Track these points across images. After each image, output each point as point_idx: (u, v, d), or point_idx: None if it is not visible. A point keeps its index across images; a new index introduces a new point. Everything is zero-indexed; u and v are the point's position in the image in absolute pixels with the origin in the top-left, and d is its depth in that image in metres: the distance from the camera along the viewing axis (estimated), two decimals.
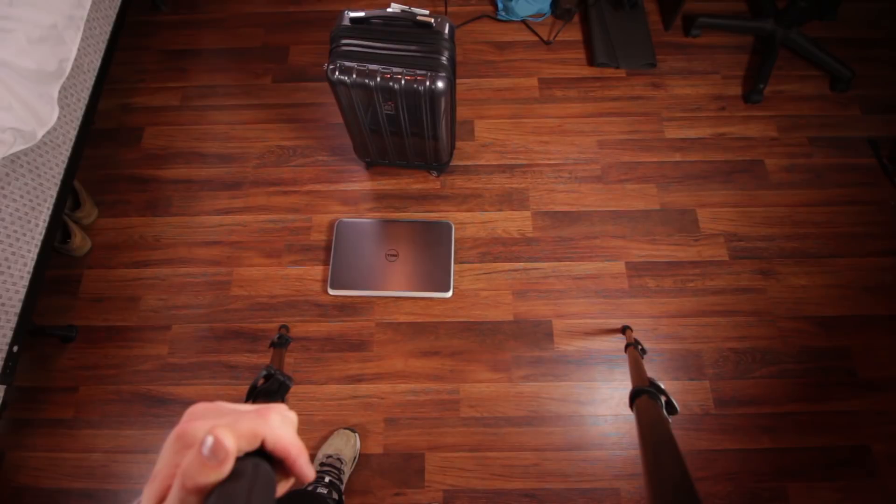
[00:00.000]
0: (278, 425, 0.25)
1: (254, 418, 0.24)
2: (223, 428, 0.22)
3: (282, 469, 0.26)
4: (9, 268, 1.07)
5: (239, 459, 0.23)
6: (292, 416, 0.27)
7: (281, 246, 1.41)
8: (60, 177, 1.22)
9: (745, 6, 1.75)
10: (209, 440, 0.21)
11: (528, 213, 1.44)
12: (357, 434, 1.19)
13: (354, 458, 1.16)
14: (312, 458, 1.16)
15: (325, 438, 1.19)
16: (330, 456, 1.12)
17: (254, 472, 0.23)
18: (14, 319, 1.09)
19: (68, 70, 1.15)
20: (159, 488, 0.22)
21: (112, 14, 1.41)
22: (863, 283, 1.33)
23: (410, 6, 1.09)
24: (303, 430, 1.21)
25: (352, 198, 1.47)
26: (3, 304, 1.06)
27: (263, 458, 0.25)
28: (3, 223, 1.05)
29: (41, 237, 1.16)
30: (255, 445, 0.24)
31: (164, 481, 0.22)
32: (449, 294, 1.33)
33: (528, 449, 1.19)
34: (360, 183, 1.49)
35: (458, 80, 1.39)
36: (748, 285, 1.34)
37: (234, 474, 0.22)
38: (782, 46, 1.59)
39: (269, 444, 0.25)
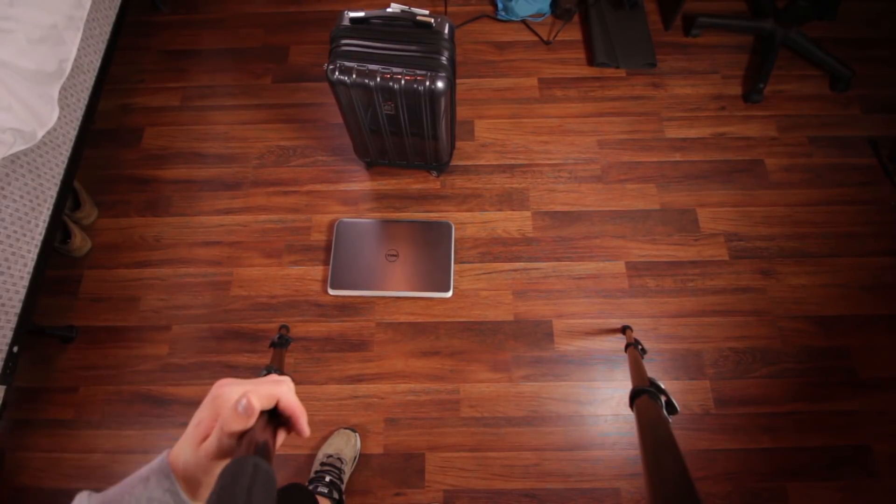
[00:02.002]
0: (287, 390, 0.34)
1: (271, 384, 0.34)
2: (252, 392, 0.31)
3: (286, 426, 0.35)
4: (9, 268, 1.07)
5: (239, 459, 0.23)
6: (293, 386, 0.36)
7: (281, 246, 1.41)
8: (60, 177, 1.22)
9: (745, 6, 1.75)
10: (244, 401, 0.30)
11: (528, 213, 1.44)
12: (357, 434, 1.19)
13: (355, 457, 1.16)
14: (313, 458, 1.17)
15: (325, 438, 1.19)
16: (330, 456, 1.12)
17: (254, 472, 0.23)
18: (14, 320, 1.09)
19: (68, 70, 1.15)
20: (204, 430, 0.32)
21: (112, 14, 1.41)
22: (863, 283, 1.33)
23: (410, 6, 1.09)
24: None
25: (352, 198, 1.47)
26: (3, 305, 1.06)
27: (272, 419, 0.33)
28: (3, 223, 1.05)
29: (41, 237, 1.16)
30: (271, 405, 0.33)
31: (207, 427, 0.32)
32: (449, 294, 1.33)
33: (528, 449, 1.19)
34: (360, 183, 1.49)
35: (458, 80, 1.39)
36: (748, 285, 1.34)
37: (235, 474, 0.22)
38: (782, 46, 1.59)
39: (282, 404, 0.34)
